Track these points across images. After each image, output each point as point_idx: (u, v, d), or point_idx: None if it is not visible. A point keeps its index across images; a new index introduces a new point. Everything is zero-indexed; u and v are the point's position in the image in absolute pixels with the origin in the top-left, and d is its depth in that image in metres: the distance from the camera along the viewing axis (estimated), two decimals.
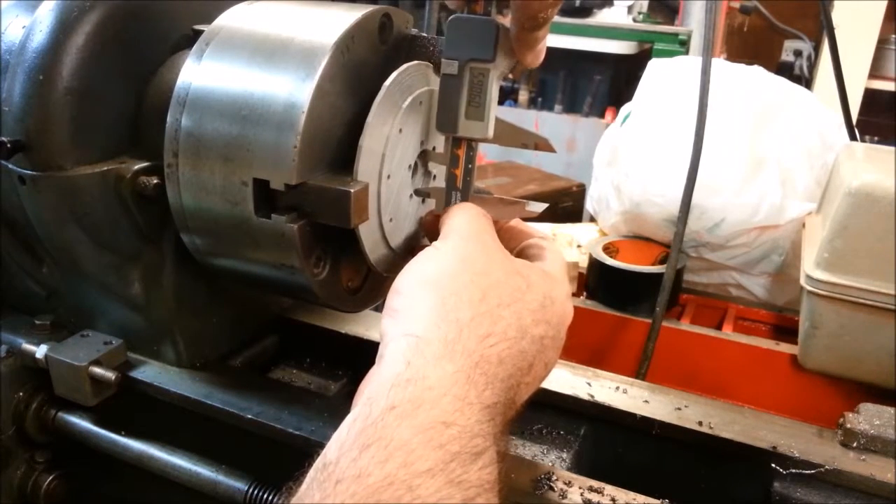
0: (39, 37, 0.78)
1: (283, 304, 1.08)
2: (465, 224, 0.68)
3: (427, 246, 0.67)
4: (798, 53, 3.87)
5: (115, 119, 0.83)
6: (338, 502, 0.46)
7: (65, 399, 0.91)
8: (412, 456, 0.48)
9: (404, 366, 0.55)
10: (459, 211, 0.70)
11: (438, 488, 0.47)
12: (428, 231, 0.80)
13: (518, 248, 0.75)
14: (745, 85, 1.64)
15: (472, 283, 0.61)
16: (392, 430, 0.50)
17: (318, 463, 0.50)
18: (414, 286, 0.62)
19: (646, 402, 0.90)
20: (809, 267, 1.23)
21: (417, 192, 0.81)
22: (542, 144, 0.77)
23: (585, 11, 3.72)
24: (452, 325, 0.57)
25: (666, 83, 1.68)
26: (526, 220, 0.80)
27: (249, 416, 0.84)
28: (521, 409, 0.63)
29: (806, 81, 3.60)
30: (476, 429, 0.52)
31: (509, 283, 0.63)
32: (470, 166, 0.75)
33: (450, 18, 0.71)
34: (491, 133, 0.72)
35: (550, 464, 0.90)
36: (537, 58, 0.71)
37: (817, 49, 3.72)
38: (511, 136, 0.76)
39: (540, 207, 0.79)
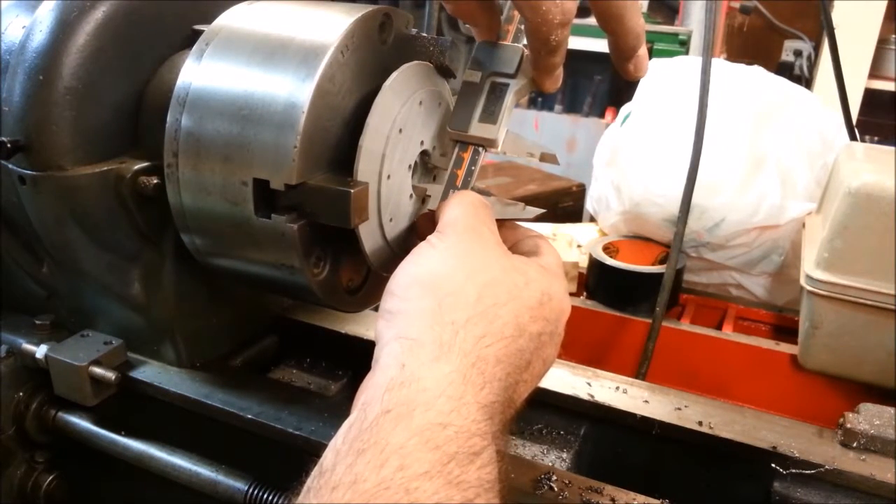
0: (39, 37, 0.78)
1: (283, 304, 1.08)
2: (462, 216, 0.66)
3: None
4: (798, 53, 3.86)
5: (115, 119, 0.83)
6: None
7: (65, 399, 0.91)
8: (408, 459, 0.48)
9: (398, 369, 0.54)
10: (458, 201, 0.69)
11: (437, 490, 0.47)
12: (422, 234, 0.78)
13: (514, 244, 0.74)
14: (745, 85, 1.64)
15: (468, 281, 0.60)
16: (387, 433, 0.49)
17: (315, 471, 0.50)
18: (408, 287, 0.61)
19: (646, 402, 0.90)
20: (809, 267, 1.23)
21: (416, 191, 0.81)
22: (547, 157, 0.79)
23: (585, 11, 3.70)
24: (447, 328, 0.57)
25: (666, 83, 1.68)
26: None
27: (249, 416, 0.84)
28: (520, 407, 0.62)
29: (806, 81, 3.60)
30: (473, 428, 0.51)
31: (506, 281, 0.62)
32: (473, 168, 0.75)
33: (479, 41, 0.76)
34: (501, 138, 0.74)
35: (550, 464, 0.90)
36: (555, 83, 0.74)
37: (817, 49, 3.72)
38: (519, 146, 0.78)
39: (536, 212, 0.81)
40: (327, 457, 0.50)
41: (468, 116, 0.74)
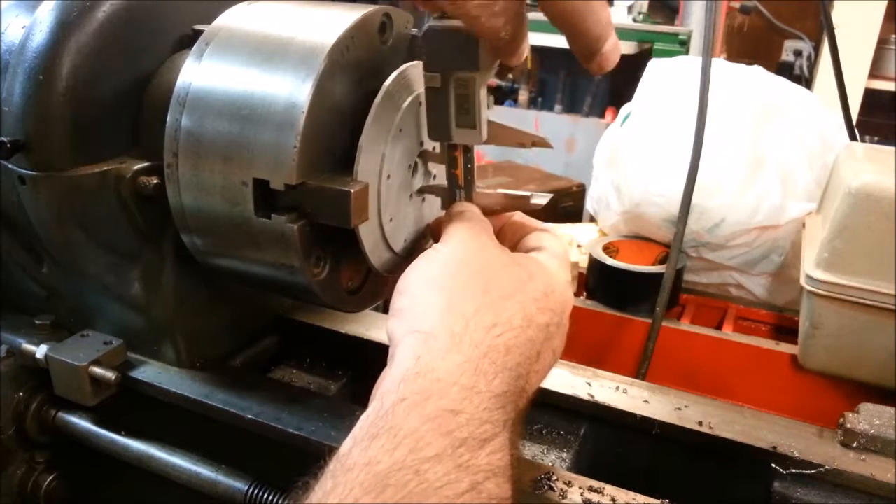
0: (39, 37, 0.78)
1: (283, 304, 1.08)
2: (464, 226, 0.70)
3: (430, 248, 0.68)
4: (798, 53, 3.86)
5: (115, 119, 0.83)
6: (348, 488, 0.48)
7: (65, 399, 0.91)
8: (420, 443, 0.50)
9: (414, 360, 0.56)
10: (459, 214, 0.72)
11: (446, 472, 0.49)
12: (435, 236, 0.81)
13: (520, 238, 0.77)
14: (745, 85, 1.64)
15: (474, 278, 0.63)
16: (401, 420, 0.52)
17: (335, 456, 0.53)
18: (418, 286, 0.63)
19: (646, 402, 0.90)
20: (809, 267, 1.23)
21: (422, 191, 0.81)
22: (538, 142, 0.77)
23: None
24: (458, 319, 0.59)
25: (666, 83, 1.68)
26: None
27: (249, 416, 0.84)
28: (532, 397, 0.64)
29: (806, 81, 3.60)
30: (485, 416, 0.54)
31: (510, 276, 0.65)
32: (469, 166, 0.75)
33: (424, 29, 0.66)
34: (484, 137, 0.71)
35: (550, 464, 0.89)
36: (520, 59, 0.67)
37: (817, 49, 3.72)
38: (507, 136, 0.76)
39: (544, 199, 0.79)
40: (345, 444, 0.53)
41: (445, 125, 0.70)
